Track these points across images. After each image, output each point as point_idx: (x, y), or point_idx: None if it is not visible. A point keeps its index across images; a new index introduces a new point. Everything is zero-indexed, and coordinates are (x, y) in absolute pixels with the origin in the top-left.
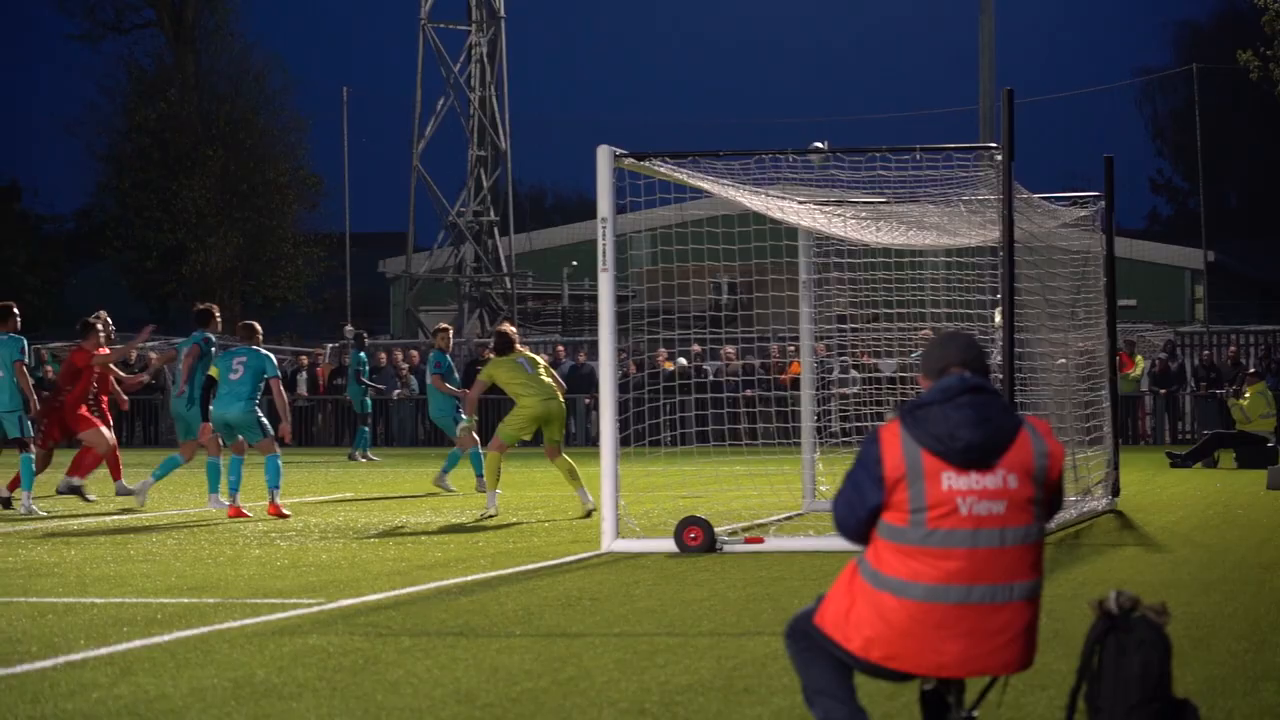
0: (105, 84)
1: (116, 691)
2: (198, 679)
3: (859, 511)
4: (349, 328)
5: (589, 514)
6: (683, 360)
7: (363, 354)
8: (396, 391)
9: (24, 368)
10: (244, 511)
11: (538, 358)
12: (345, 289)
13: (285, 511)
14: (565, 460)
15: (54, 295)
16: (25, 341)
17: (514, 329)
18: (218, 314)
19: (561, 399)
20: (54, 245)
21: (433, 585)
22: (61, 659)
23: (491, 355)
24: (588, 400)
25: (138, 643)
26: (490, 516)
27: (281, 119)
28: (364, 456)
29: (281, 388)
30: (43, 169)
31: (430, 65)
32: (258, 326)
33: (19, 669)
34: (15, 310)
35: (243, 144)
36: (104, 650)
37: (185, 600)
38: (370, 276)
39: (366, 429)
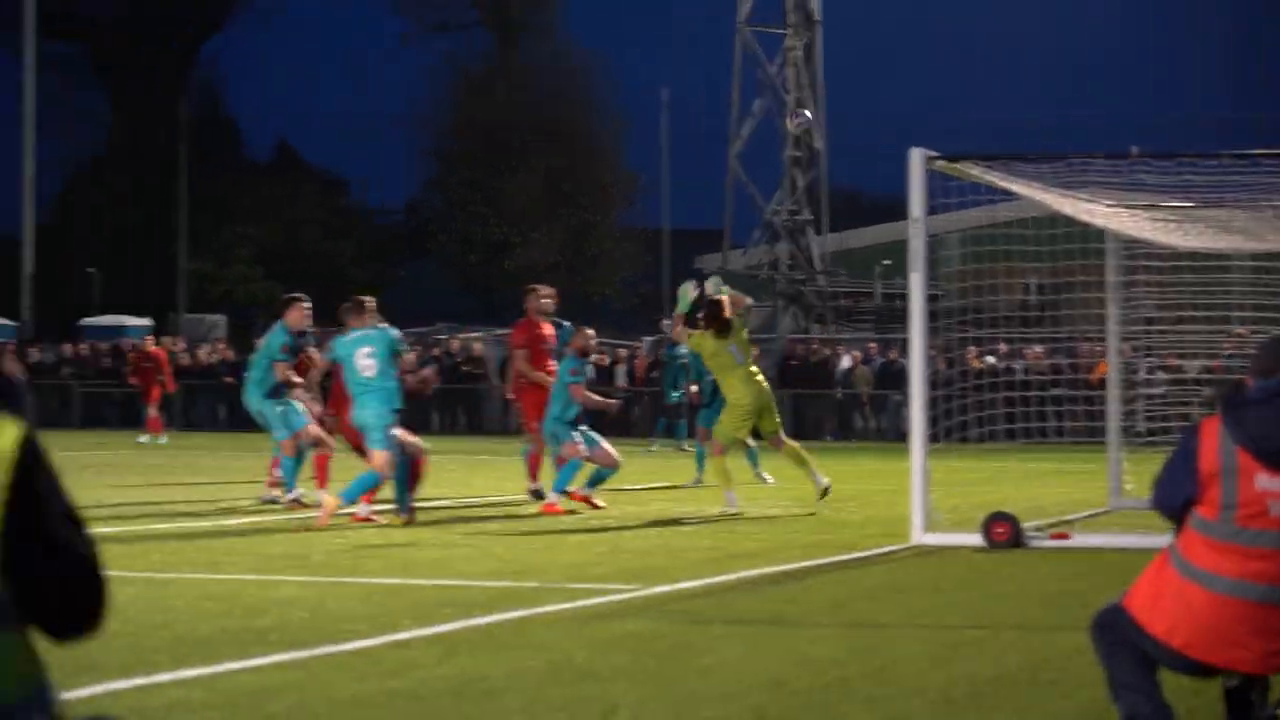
0: (433, 82)
1: (439, 671)
2: (516, 660)
3: (1173, 500)
4: (666, 322)
5: (825, 493)
6: (990, 358)
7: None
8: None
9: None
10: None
11: (751, 347)
12: (661, 284)
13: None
14: (791, 445)
15: (381, 289)
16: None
17: (734, 306)
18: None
19: (768, 386)
20: (381, 239)
21: (745, 574)
22: (388, 637)
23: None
24: (898, 396)
25: (460, 624)
26: (735, 514)
27: (603, 119)
28: (682, 447)
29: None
30: (371, 164)
31: (747, 67)
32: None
33: (347, 646)
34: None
35: (566, 142)
36: (428, 630)
37: (506, 584)
38: (686, 272)
39: (683, 421)
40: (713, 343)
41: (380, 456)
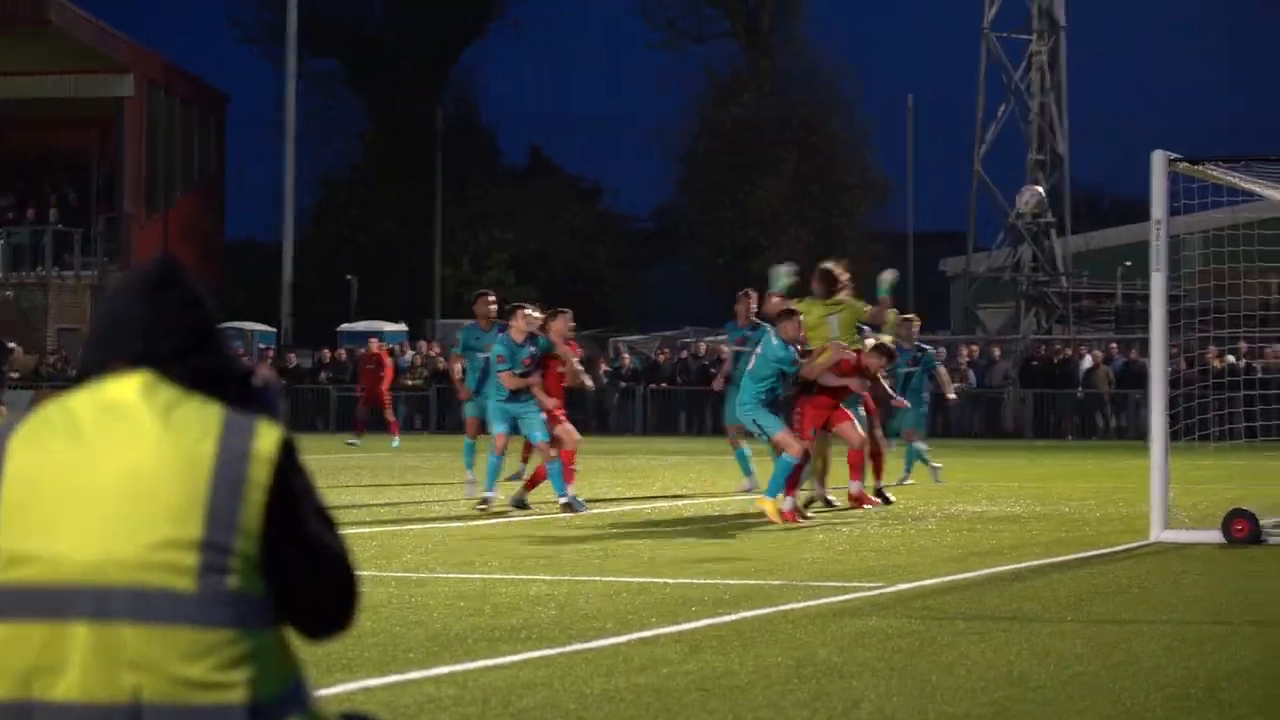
0: (683, 89)
1: (685, 667)
2: (762, 657)
3: None
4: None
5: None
6: (1231, 357)
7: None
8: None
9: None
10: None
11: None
12: (908, 287)
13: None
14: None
15: (633, 291)
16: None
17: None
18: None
19: None
20: (633, 243)
21: (987, 571)
22: (634, 635)
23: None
24: (1138, 396)
25: (705, 621)
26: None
27: (851, 123)
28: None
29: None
30: (623, 170)
31: (992, 72)
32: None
33: (595, 644)
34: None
35: (814, 146)
36: (674, 628)
37: (751, 581)
38: (931, 274)
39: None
40: (821, 308)
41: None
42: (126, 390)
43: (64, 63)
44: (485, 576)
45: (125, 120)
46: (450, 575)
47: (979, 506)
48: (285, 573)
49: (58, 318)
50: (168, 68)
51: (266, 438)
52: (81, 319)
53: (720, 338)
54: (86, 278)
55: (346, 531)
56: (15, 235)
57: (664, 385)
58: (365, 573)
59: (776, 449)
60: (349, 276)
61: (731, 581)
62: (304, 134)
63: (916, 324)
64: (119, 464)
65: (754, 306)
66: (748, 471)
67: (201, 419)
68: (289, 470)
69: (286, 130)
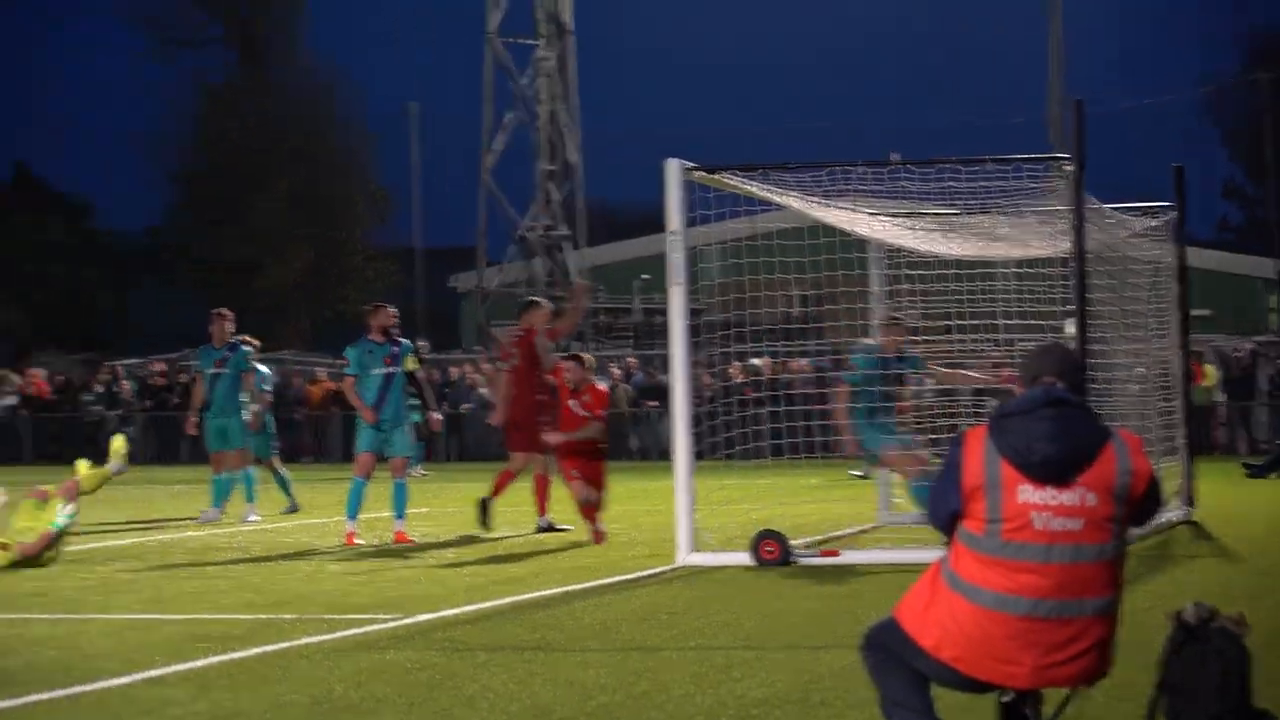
0: (175, 100)
1: (195, 708)
2: (276, 695)
3: (941, 512)
4: (422, 342)
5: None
6: (756, 360)
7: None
8: (464, 406)
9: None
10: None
11: None
12: (416, 303)
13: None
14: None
15: (127, 313)
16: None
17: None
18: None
19: None
20: (123, 262)
21: (509, 600)
22: (140, 675)
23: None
24: (660, 412)
25: (216, 659)
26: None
27: (350, 134)
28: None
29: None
30: (112, 186)
31: (498, 79)
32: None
33: (99, 685)
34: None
35: (312, 159)
36: (182, 666)
37: (263, 616)
38: (442, 291)
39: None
40: None
41: None
42: None
43: None
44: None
45: None
46: None
47: (501, 533)
48: None
49: None
50: None
51: None
52: None
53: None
54: None
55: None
56: None
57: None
58: None
59: None
60: None
61: (243, 616)
62: None
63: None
64: None
65: (229, 327)
66: (217, 502)
67: None
68: None
69: None
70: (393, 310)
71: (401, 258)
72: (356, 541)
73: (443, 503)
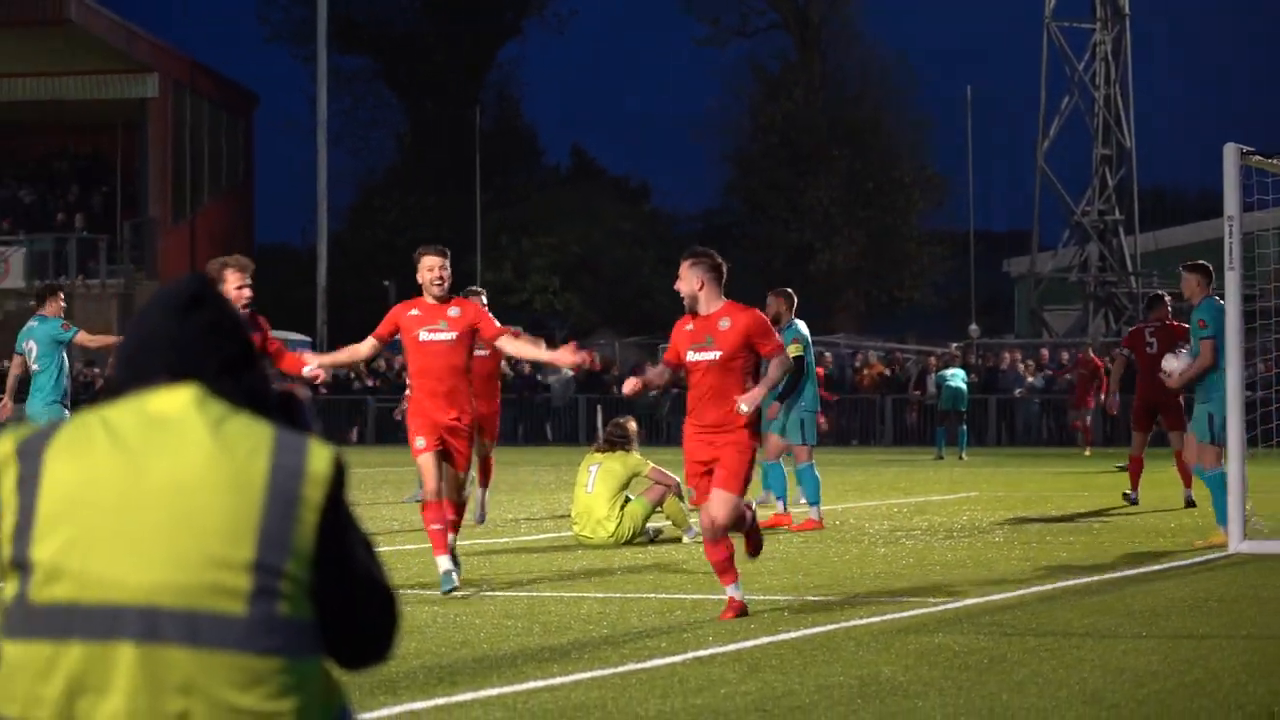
0: (731, 85)
1: (743, 688)
2: (824, 676)
3: None
4: (974, 327)
5: None
6: None
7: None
8: (1018, 390)
9: None
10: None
11: None
12: (970, 288)
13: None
14: None
15: (678, 294)
16: None
17: None
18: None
19: None
20: (681, 245)
21: (1058, 585)
22: (690, 654)
23: None
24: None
25: (764, 640)
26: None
27: (906, 118)
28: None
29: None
30: (668, 170)
31: (1054, 64)
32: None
33: (650, 664)
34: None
35: (868, 143)
36: (731, 647)
37: (812, 598)
38: (994, 275)
39: (964, 427)
40: None
41: None
42: (174, 402)
43: (83, 62)
44: (533, 595)
45: (150, 122)
46: (497, 594)
47: (1048, 517)
48: (331, 598)
49: (82, 327)
50: (194, 67)
51: (319, 457)
52: (107, 329)
53: None
54: (112, 286)
55: (386, 549)
56: (38, 243)
57: None
58: (408, 591)
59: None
60: (386, 282)
61: (791, 598)
62: (338, 135)
63: None
64: (165, 478)
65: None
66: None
67: (252, 435)
68: (340, 492)
69: (319, 131)
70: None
71: (955, 242)
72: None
73: (991, 486)
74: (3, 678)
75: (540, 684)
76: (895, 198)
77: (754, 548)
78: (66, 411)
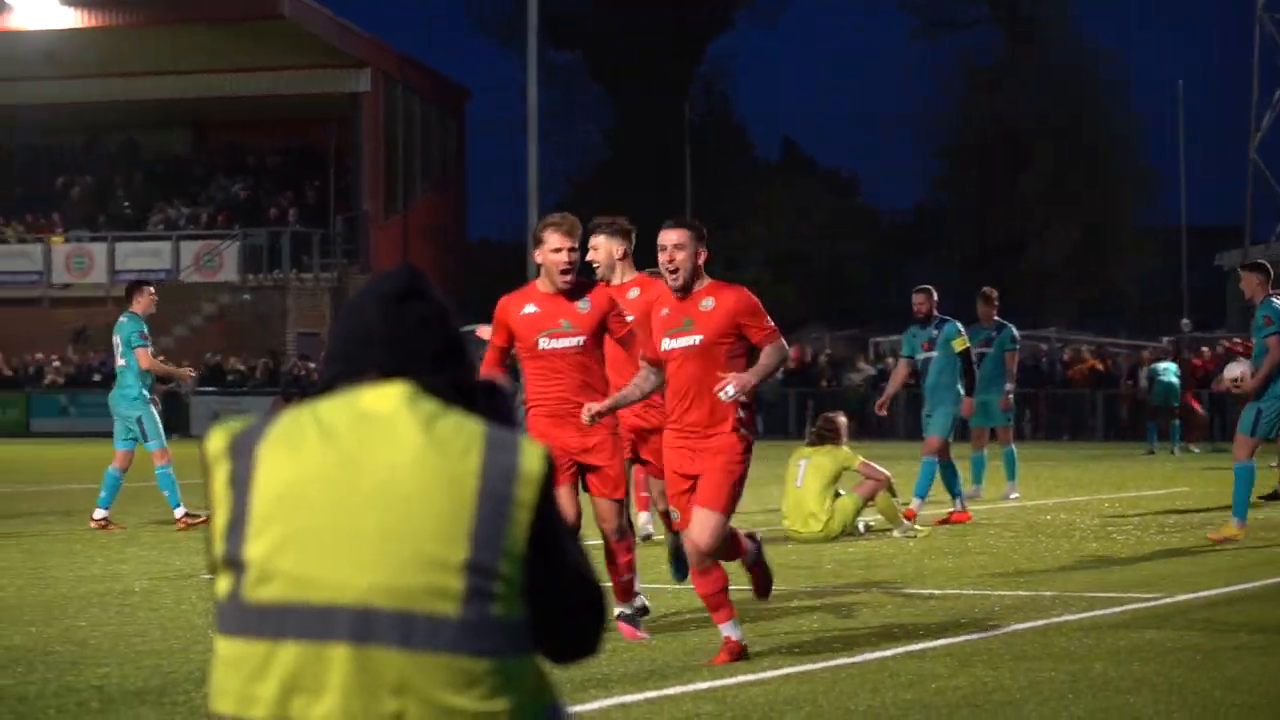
0: (940, 80)
1: (955, 682)
2: (1035, 671)
3: None
4: (1185, 321)
5: None
6: None
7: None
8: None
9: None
10: None
11: None
12: (1181, 283)
13: None
14: None
15: (893, 289)
16: None
17: None
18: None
19: None
20: (890, 239)
21: (1272, 581)
22: (900, 649)
23: None
24: None
25: (975, 635)
26: None
27: (1118, 112)
28: (1180, 450)
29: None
30: (876, 164)
31: (1266, 55)
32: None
33: (860, 658)
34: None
35: (1077, 138)
36: (942, 641)
37: (1022, 593)
38: (1207, 270)
39: (1178, 422)
40: None
41: None
42: (386, 400)
43: (298, 57)
44: (744, 588)
45: (362, 117)
46: None
47: (1261, 513)
48: (542, 596)
49: (297, 322)
50: (405, 61)
51: (531, 456)
52: (320, 323)
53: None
54: (325, 280)
55: (595, 543)
56: (252, 237)
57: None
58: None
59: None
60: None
61: (1002, 593)
62: (548, 130)
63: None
64: (379, 478)
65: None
66: (977, 479)
67: (463, 434)
68: (551, 490)
69: (529, 126)
70: (929, 294)
71: (1167, 236)
72: None
73: (1204, 480)
74: (216, 674)
75: (750, 678)
76: (1107, 192)
77: (761, 587)
78: (151, 408)
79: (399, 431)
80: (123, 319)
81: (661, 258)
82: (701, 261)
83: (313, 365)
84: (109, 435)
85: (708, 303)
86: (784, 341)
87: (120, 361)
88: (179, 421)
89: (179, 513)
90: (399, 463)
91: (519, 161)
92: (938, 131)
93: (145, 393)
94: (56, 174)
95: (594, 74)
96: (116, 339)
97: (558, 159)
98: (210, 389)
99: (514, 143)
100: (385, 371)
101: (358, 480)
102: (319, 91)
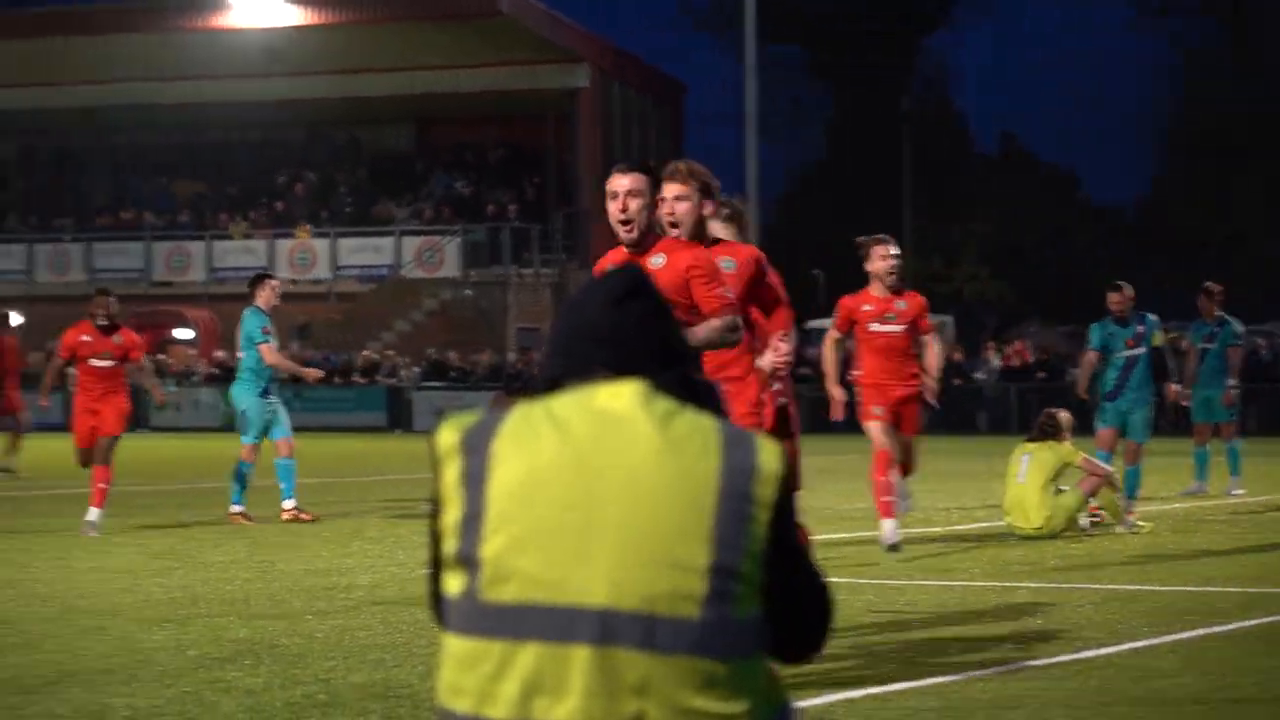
0: (1162, 73)
1: (1181, 680)
2: (1265, 669)
3: None
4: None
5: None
6: None
7: None
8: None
9: None
10: None
11: None
12: None
13: None
14: None
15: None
16: None
17: None
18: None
19: None
20: (1110, 235)
21: None
22: (1125, 645)
23: None
24: None
25: (1202, 631)
26: None
27: None
28: None
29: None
30: (1094, 159)
31: None
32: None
33: (1084, 654)
34: None
35: None
36: (1169, 638)
37: (1250, 590)
38: None
39: None
40: None
41: None
42: (620, 398)
43: (516, 53)
44: (967, 584)
45: (580, 113)
46: (930, 583)
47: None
48: (777, 595)
49: (518, 317)
50: (622, 57)
51: (769, 454)
52: (541, 318)
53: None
54: (546, 275)
55: (821, 538)
56: (473, 233)
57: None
58: (840, 580)
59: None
60: (815, 272)
61: (1229, 589)
62: (765, 124)
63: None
64: (617, 477)
65: (1214, 303)
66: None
67: (700, 433)
68: (788, 487)
69: (748, 121)
70: (1127, 291)
71: None
72: None
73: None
74: (447, 671)
75: (975, 674)
76: None
77: None
78: (269, 401)
79: (635, 431)
80: (246, 313)
81: (612, 206)
82: (661, 212)
83: (535, 357)
84: (328, 430)
85: (658, 259)
86: (735, 318)
87: (240, 355)
88: (402, 417)
89: (235, 509)
90: (637, 462)
91: (737, 155)
92: (1159, 126)
93: (262, 385)
94: (277, 170)
95: (811, 67)
96: (238, 332)
97: (775, 152)
98: (435, 384)
99: (731, 136)
100: (612, 370)
101: (595, 480)
102: (537, 88)
